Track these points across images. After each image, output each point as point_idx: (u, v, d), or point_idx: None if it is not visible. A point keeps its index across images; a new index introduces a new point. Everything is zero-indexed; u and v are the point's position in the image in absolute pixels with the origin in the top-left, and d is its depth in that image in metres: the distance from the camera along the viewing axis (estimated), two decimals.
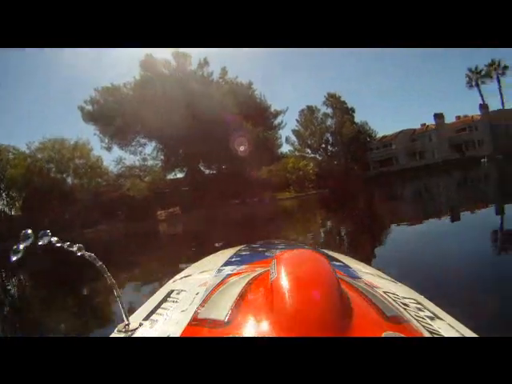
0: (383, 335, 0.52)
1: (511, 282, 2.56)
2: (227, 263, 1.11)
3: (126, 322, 0.68)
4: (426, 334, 0.62)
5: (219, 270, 1.01)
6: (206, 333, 0.57)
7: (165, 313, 0.72)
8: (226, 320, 0.58)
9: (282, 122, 34.78)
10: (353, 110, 40.04)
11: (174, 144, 27.50)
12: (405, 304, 0.77)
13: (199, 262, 1.37)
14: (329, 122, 39.66)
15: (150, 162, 29.48)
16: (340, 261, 1.21)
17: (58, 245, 0.63)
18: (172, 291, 0.87)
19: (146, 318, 0.71)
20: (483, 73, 38.82)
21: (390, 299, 0.74)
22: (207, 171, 30.85)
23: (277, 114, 34.28)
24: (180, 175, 30.57)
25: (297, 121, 39.98)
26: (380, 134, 43.50)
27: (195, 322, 0.62)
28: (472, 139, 39.36)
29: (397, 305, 0.72)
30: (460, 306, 1.17)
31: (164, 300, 0.81)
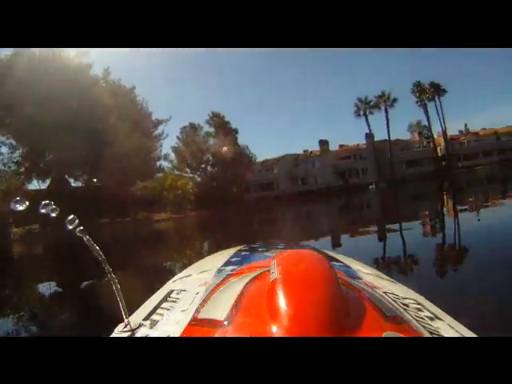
0: (383, 335, 0.52)
1: None
2: (227, 263, 1.11)
3: (126, 322, 0.68)
4: (426, 334, 0.62)
5: (219, 270, 1.01)
6: (206, 333, 0.57)
7: (165, 313, 0.72)
8: (226, 320, 0.58)
9: (162, 132, 33.48)
10: (236, 131, 39.73)
11: (42, 148, 24.42)
12: (405, 304, 0.77)
13: (199, 262, 1.37)
14: (211, 141, 38.98)
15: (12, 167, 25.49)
16: (340, 261, 1.21)
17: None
18: (172, 291, 0.87)
19: (146, 317, 0.71)
20: (372, 103, 40.47)
21: (389, 299, 0.74)
22: (76, 183, 27.97)
23: (158, 123, 32.92)
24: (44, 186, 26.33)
25: (178, 138, 38.94)
26: (265, 157, 43.54)
27: (195, 322, 0.62)
28: (356, 167, 41.18)
29: (397, 305, 0.72)
30: None
31: (164, 300, 0.81)
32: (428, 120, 42.88)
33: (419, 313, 0.75)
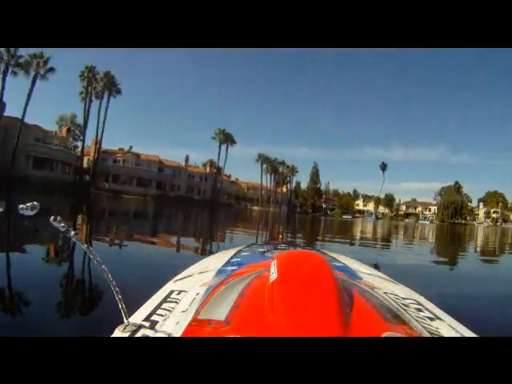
0: (383, 335, 0.52)
1: None
2: (228, 264, 1.11)
3: (126, 323, 0.68)
4: (426, 335, 0.62)
5: (220, 271, 1.01)
6: (206, 333, 0.57)
7: (165, 313, 0.72)
8: (226, 320, 0.58)
9: None
10: None
11: None
12: (405, 304, 0.77)
13: (200, 262, 1.37)
14: None
15: None
16: (340, 261, 1.21)
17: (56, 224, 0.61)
18: (172, 291, 0.87)
19: (147, 318, 0.71)
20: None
21: (390, 300, 0.74)
22: None
23: None
24: None
25: None
26: None
27: (196, 322, 0.62)
28: None
29: (397, 305, 0.72)
30: None
31: (164, 300, 0.81)
32: (85, 121, 34.96)
33: (419, 313, 0.75)
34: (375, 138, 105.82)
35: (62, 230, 0.62)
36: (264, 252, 1.35)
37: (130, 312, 0.74)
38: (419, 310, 0.77)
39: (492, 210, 67.96)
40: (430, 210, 70.92)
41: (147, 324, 0.68)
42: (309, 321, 0.50)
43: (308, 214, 53.48)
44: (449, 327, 0.71)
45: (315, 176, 66.67)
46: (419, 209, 72.42)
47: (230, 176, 54.83)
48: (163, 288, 0.95)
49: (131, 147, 42.64)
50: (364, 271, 1.11)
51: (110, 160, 39.44)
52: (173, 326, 0.64)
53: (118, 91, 35.80)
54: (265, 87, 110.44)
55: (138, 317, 0.73)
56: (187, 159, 46.55)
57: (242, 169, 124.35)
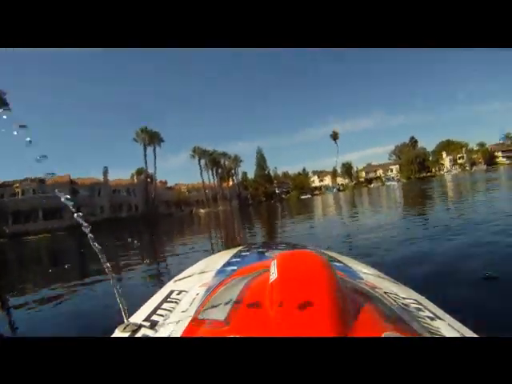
0: (383, 335, 0.52)
1: None
2: (227, 264, 1.12)
3: (127, 323, 0.68)
4: (426, 335, 0.62)
5: (219, 271, 1.01)
6: (206, 333, 0.57)
7: (165, 313, 0.72)
8: (226, 320, 0.58)
9: None
10: None
11: None
12: (405, 304, 0.77)
13: (199, 262, 1.37)
14: None
15: None
16: (341, 261, 1.21)
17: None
18: (172, 291, 0.87)
19: (147, 318, 0.71)
20: None
21: (390, 300, 0.74)
22: None
23: None
24: None
25: None
26: None
27: (195, 322, 0.62)
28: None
29: (397, 305, 0.72)
30: None
31: (164, 300, 0.81)
32: None
33: (419, 313, 0.75)
34: (312, 118, 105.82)
35: (84, 227, 0.70)
36: (264, 252, 1.35)
37: (130, 312, 0.74)
38: (419, 309, 0.77)
39: (458, 156, 65.09)
40: (391, 171, 66.70)
41: (147, 324, 0.68)
42: (309, 321, 0.50)
43: (262, 203, 49.91)
44: (449, 327, 0.71)
45: (262, 161, 61.27)
46: (380, 171, 68.21)
47: (165, 182, 48.04)
48: (163, 288, 0.96)
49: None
50: (364, 271, 1.11)
51: (6, 195, 30.41)
52: (173, 325, 0.64)
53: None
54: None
55: (138, 317, 0.73)
56: (106, 172, 36.91)
57: (183, 173, 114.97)
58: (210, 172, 50.46)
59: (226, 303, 0.63)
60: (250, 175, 62.62)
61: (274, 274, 0.59)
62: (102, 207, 35.54)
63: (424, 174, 60.64)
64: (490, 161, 62.02)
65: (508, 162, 59.73)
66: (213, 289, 0.75)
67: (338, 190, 60.72)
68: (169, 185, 48.89)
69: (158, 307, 0.76)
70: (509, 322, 1.65)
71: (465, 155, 64.75)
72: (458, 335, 0.68)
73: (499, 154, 64.38)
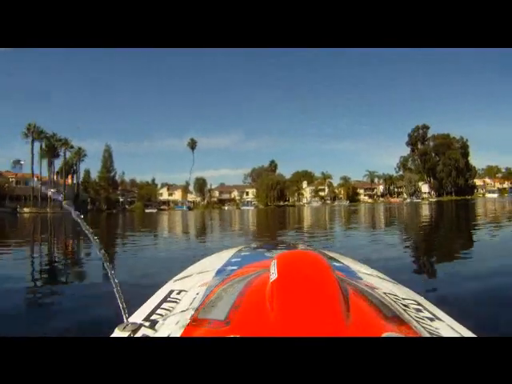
0: (383, 335, 0.52)
1: None
2: (227, 264, 1.11)
3: (126, 322, 0.68)
4: (426, 335, 0.62)
5: (219, 271, 1.01)
6: (206, 333, 0.57)
7: (165, 313, 0.72)
8: (226, 320, 0.58)
9: None
10: None
11: None
12: (404, 305, 0.77)
13: (199, 262, 1.37)
14: None
15: None
16: (340, 262, 1.21)
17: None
18: (172, 291, 0.87)
19: (146, 318, 0.71)
20: None
21: (389, 300, 0.74)
22: None
23: None
24: None
25: None
26: None
27: (195, 322, 0.62)
28: None
29: (397, 305, 0.72)
30: None
31: (164, 300, 0.81)
32: None
33: (419, 313, 0.75)
34: (172, 127, 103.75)
35: (74, 215, 0.68)
36: (264, 252, 1.35)
37: (130, 312, 0.74)
38: (419, 310, 0.78)
39: (319, 188, 64.45)
40: (247, 194, 63.60)
41: (147, 323, 0.68)
42: (309, 321, 0.50)
43: (103, 212, 42.47)
44: (448, 327, 0.71)
45: (109, 161, 51.28)
46: (235, 193, 64.49)
47: None
48: (163, 288, 0.95)
49: None
50: (364, 271, 1.11)
51: None
52: (172, 325, 0.64)
53: None
54: None
55: (137, 316, 0.73)
56: None
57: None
58: (46, 162, 40.72)
59: (226, 303, 0.63)
60: (94, 175, 53.33)
61: (273, 274, 0.59)
62: None
63: (282, 203, 58.08)
64: (353, 197, 62.48)
65: (370, 200, 60.83)
66: (213, 288, 0.76)
67: (189, 208, 55.22)
68: None
69: (158, 307, 0.76)
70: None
71: (326, 188, 64.19)
72: (457, 335, 0.68)
73: (361, 191, 65.43)
